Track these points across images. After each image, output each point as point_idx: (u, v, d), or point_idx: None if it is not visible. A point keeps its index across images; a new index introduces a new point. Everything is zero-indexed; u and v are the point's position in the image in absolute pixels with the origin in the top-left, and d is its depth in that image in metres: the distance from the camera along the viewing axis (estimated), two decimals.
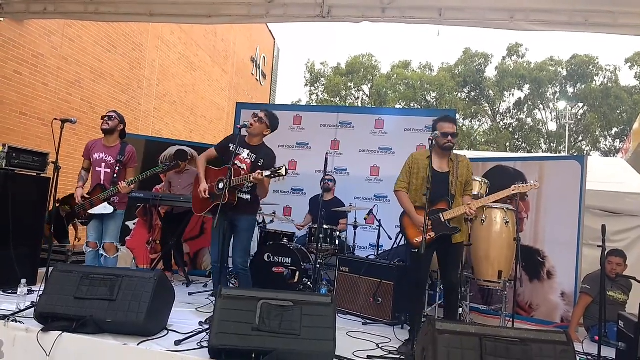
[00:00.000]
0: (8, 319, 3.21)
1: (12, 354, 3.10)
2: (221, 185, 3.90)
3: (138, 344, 3.01)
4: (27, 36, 7.39)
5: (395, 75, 31.18)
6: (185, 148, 6.32)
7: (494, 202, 3.94)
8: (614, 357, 3.51)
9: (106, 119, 4.53)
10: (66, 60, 8.28)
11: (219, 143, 4.33)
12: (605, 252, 3.68)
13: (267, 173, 3.79)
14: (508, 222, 4.41)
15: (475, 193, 4.50)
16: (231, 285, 4.91)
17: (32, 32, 7.48)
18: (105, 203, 4.37)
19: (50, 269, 3.47)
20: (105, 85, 9.45)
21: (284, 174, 3.77)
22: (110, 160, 4.48)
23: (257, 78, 17.92)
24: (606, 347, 3.56)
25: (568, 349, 2.61)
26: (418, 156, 3.89)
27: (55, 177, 4.04)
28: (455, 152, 3.90)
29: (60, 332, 3.02)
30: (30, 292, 3.73)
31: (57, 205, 4.96)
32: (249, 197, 4.08)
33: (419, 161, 3.82)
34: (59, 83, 8.16)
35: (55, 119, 4.19)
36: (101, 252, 4.44)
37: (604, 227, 3.65)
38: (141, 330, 3.13)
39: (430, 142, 3.66)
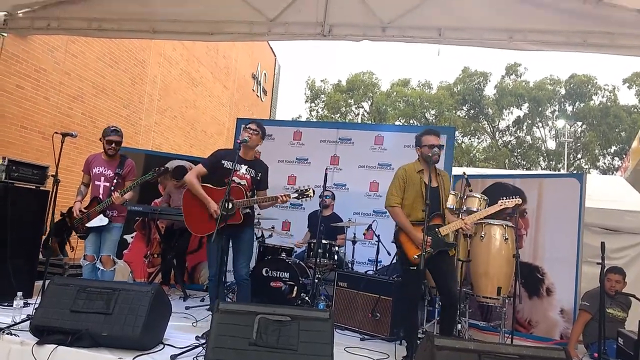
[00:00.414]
0: (3, 332, 3.19)
1: None
2: (231, 206, 3.82)
3: (134, 358, 2.98)
4: (30, 51, 7.46)
5: (395, 93, 31.41)
6: (185, 164, 6.33)
7: (488, 217, 3.98)
8: None
9: (114, 145, 4.52)
10: (68, 75, 8.35)
11: (208, 159, 4.26)
12: (605, 270, 3.68)
13: (295, 195, 3.80)
14: (507, 238, 4.41)
15: (474, 209, 4.51)
16: (228, 300, 4.88)
17: (35, 47, 7.55)
18: (101, 215, 4.38)
19: (47, 282, 3.46)
20: (107, 100, 9.51)
21: (311, 195, 3.81)
22: (109, 174, 4.50)
23: (258, 94, 18.05)
24: None
25: None
26: (410, 170, 3.87)
27: (55, 190, 4.05)
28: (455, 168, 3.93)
29: (56, 346, 2.99)
30: (26, 304, 3.70)
31: (62, 217, 4.95)
32: (249, 210, 4.13)
33: (411, 175, 3.82)
34: (61, 97, 8.22)
35: (56, 132, 4.22)
36: (98, 265, 4.44)
37: (603, 244, 3.65)
38: (137, 344, 3.10)
39: (423, 155, 3.72)
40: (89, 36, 7.67)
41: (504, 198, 3.84)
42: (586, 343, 4.47)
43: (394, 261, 5.06)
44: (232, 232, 4.03)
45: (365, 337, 4.41)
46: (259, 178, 4.16)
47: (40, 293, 3.74)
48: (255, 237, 4.76)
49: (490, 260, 4.42)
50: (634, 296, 4.17)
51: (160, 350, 3.22)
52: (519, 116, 29.90)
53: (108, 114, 9.48)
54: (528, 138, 30.11)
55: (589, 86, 28.00)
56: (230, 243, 4.20)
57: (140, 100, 10.72)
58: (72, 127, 8.15)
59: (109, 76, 9.49)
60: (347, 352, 3.78)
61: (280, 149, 6.61)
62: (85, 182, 4.64)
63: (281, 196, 3.83)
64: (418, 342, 3.34)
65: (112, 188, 4.42)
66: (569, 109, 28.95)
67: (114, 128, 4.61)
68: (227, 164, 4.08)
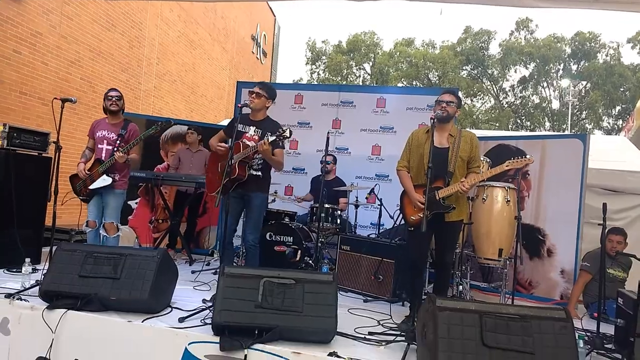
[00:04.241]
0: (13, 297, 3.25)
1: (18, 331, 3.14)
2: (232, 161, 3.91)
3: (142, 321, 3.04)
4: (25, 14, 7.31)
5: (398, 53, 30.82)
6: (184, 129, 6.28)
7: (490, 178, 3.87)
8: (613, 334, 3.54)
9: (115, 99, 4.56)
10: (65, 39, 8.20)
11: (227, 125, 4.35)
12: (606, 230, 3.69)
13: (272, 138, 3.80)
14: (509, 200, 4.41)
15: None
16: (234, 264, 4.94)
17: (30, 10, 7.39)
18: (104, 175, 4.40)
19: (54, 248, 3.50)
20: (105, 64, 9.38)
21: (288, 135, 3.79)
22: (112, 137, 4.51)
23: (258, 56, 17.76)
24: (605, 324, 3.61)
25: (567, 326, 2.63)
26: (417, 133, 3.87)
27: (57, 156, 4.04)
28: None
29: (65, 310, 3.05)
30: (34, 270, 3.77)
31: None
32: (260, 173, 4.14)
33: (417, 138, 3.81)
34: (59, 62, 8.10)
35: (56, 98, 4.17)
36: (101, 231, 4.48)
37: (604, 205, 3.65)
38: (145, 308, 3.16)
39: (432, 120, 3.63)
40: None
41: (514, 158, 3.72)
42: (586, 303, 4.55)
43: (396, 224, 5.10)
44: (243, 195, 4.08)
45: (368, 298, 4.49)
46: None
47: (47, 259, 3.79)
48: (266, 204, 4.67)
49: (492, 222, 4.42)
50: (634, 256, 4.19)
51: (168, 313, 3.28)
52: (524, 76, 29.44)
53: (107, 79, 9.37)
54: (533, 98, 29.74)
55: (593, 43, 27.45)
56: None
57: (138, 64, 10.57)
58: (71, 92, 8.07)
59: (106, 39, 9.33)
60: (351, 313, 3.84)
61: (281, 113, 6.48)
62: (89, 147, 4.66)
63: (262, 142, 3.83)
64: (421, 302, 3.39)
65: (115, 150, 4.43)
66: (574, 67, 28.47)
67: (111, 88, 4.75)
68: (239, 126, 4.13)
